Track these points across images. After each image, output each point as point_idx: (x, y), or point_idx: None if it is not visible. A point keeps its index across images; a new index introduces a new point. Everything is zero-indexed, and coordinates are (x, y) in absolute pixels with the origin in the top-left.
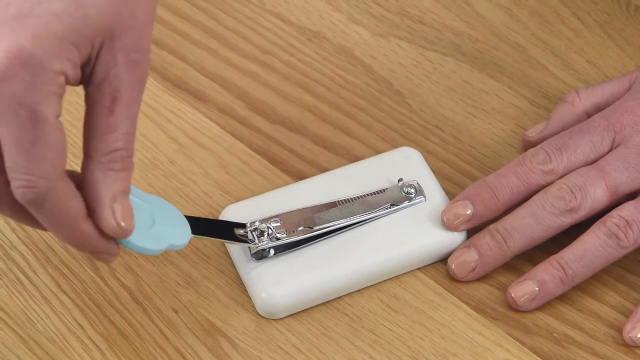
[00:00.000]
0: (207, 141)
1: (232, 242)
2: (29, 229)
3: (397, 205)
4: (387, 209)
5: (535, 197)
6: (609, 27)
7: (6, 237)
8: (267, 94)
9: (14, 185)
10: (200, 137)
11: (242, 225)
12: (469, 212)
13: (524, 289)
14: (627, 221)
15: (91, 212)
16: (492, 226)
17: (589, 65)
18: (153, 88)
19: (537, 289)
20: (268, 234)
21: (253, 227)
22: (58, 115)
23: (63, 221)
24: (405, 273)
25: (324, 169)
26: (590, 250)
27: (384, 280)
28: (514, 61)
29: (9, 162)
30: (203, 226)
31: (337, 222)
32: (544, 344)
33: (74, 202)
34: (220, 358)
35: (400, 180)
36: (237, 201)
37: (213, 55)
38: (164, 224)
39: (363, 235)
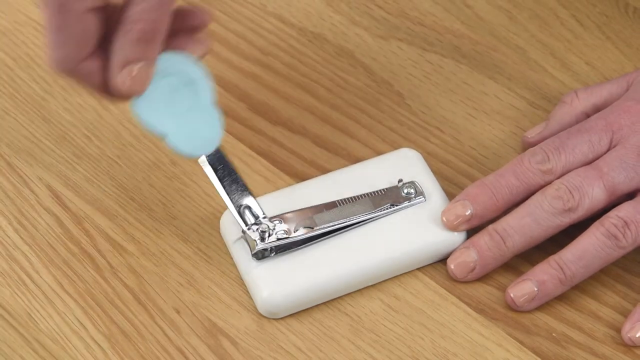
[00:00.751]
0: None
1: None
2: (31, 229)
3: (397, 205)
4: (387, 209)
5: (533, 197)
6: (607, 29)
7: (9, 237)
8: (268, 96)
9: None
10: None
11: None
12: (468, 212)
13: (523, 289)
14: (625, 221)
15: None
16: (491, 226)
17: (587, 67)
18: None
19: (536, 289)
20: (269, 234)
21: (255, 227)
22: (86, 9)
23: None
24: (405, 273)
25: (324, 170)
26: (589, 250)
27: (385, 281)
28: (513, 63)
29: (46, 39)
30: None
31: (337, 223)
32: (543, 343)
33: (95, 79)
34: (222, 358)
35: (400, 181)
36: None
37: (215, 57)
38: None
39: (363, 236)
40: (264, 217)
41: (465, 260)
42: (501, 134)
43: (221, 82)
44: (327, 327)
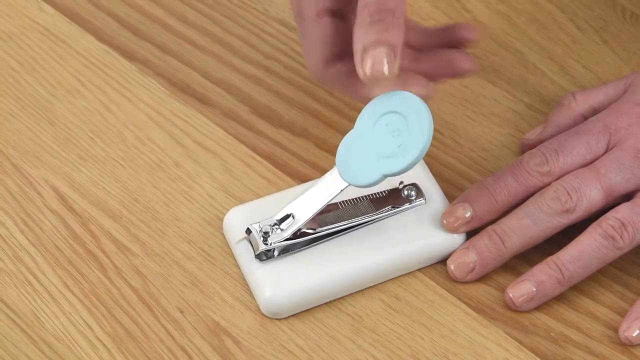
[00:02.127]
0: (212, 145)
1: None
2: (37, 230)
3: (398, 207)
4: (388, 211)
5: (532, 199)
6: (605, 33)
7: (15, 238)
8: (270, 99)
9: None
10: (205, 141)
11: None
12: (468, 214)
13: (522, 289)
14: (622, 222)
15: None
16: (490, 228)
17: (585, 71)
18: (159, 93)
19: (534, 289)
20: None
21: (258, 229)
22: (317, 14)
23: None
24: (406, 274)
25: (326, 172)
26: (587, 251)
27: (385, 281)
28: (512, 66)
29: None
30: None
31: (339, 225)
32: (541, 343)
33: (344, 82)
34: (225, 357)
35: (401, 183)
36: (242, 203)
37: (218, 60)
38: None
39: (365, 237)
40: (267, 219)
41: (464, 261)
42: (500, 136)
43: (224, 86)
44: (329, 326)
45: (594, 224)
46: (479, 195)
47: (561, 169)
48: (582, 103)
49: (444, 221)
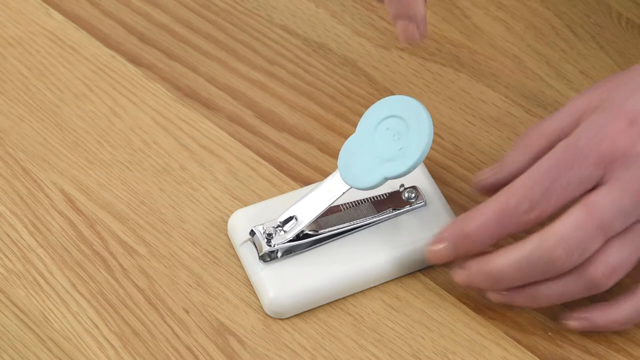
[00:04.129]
0: (216, 148)
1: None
2: (45, 232)
3: (398, 209)
4: (389, 213)
5: (530, 245)
6: (601, 39)
7: (24, 239)
8: (274, 103)
9: None
10: (210, 145)
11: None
12: (447, 256)
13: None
14: (613, 268)
15: None
16: (485, 266)
17: (582, 76)
18: (165, 97)
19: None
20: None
21: (262, 231)
22: None
23: None
24: (406, 275)
25: (328, 175)
26: (568, 295)
27: (386, 282)
28: (510, 71)
29: None
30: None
31: (341, 226)
32: (539, 342)
33: None
34: (229, 356)
35: (401, 185)
36: (246, 206)
37: (223, 66)
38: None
39: (366, 238)
40: (271, 221)
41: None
42: (499, 140)
43: (229, 91)
44: (331, 326)
45: (582, 268)
46: (461, 241)
47: (552, 211)
48: (537, 140)
49: (428, 255)
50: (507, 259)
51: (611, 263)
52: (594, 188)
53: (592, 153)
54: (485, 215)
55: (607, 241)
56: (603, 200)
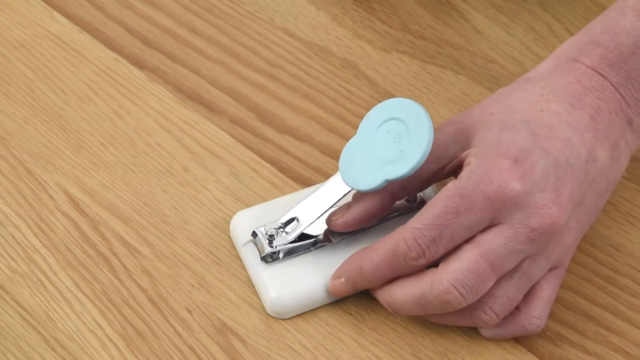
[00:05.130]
0: (219, 150)
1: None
2: (50, 233)
3: (399, 211)
4: (389, 215)
5: (424, 285)
6: None
7: (28, 240)
8: (276, 106)
9: None
10: (212, 146)
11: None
12: (349, 289)
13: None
14: (501, 310)
15: None
16: (382, 298)
17: None
18: (168, 100)
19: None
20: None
21: (264, 232)
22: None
23: None
24: None
25: (329, 177)
26: (454, 321)
27: None
28: (509, 74)
29: None
30: None
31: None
32: (538, 342)
33: None
34: (231, 356)
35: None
36: (248, 207)
37: (225, 69)
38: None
39: (367, 239)
40: (273, 222)
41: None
42: None
43: (231, 93)
44: (332, 326)
45: (475, 307)
46: (357, 278)
47: (440, 255)
48: (390, 185)
49: (329, 288)
50: (405, 294)
51: (499, 305)
52: (486, 228)
53: (479, 198)
54: (378, 257)
55: (497, 280)
56: (495, 242)
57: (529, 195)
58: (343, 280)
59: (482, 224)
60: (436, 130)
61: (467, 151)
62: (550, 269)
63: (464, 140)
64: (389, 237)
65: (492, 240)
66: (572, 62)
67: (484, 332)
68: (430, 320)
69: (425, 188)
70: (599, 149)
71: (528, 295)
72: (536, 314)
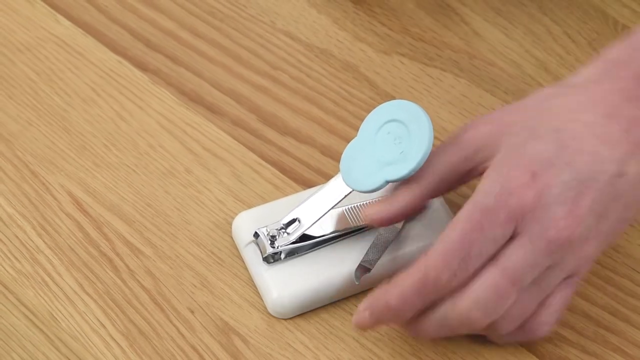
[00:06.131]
0: (221, 152)
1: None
2: (53, 234)
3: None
4: None
5: (444, 308)
6: (598, 45)
7: (32, 241)
8: (277, 108)
9: None
10: (214, 148)
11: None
12: (373, 323)
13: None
14: (519, 321)
15: None
16: (409, 326)
17: None
18: (170, 102)
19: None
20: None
21: (266, 232)
22: None
23: None
24: None
25: (330, 178)
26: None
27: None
28: (509, 77)
29: None
30: None
31: (343, 228)
32: (537, 341)
33: None
34: (233, 355)
35: None
36: (250, 208)
37: (227, 71)
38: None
39: (368, 240)
40: (274, 223)
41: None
42: None
43: (233, 95)
44: (333, 326)
45: (495, 322)
46: (383, 312)
47: (471, 275)
48: (426, 181)
49: (353, 322)
50: (428, 321)
51: (512, 316)
52: (506, 242)
53: (501, 211)
54: (406, 288)
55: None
56: (515, 257)
57: (546, 208)
58: (367, 315)
59: (505, 237)
60: (470, 126)
61: (492, 160)
62: (565, 278)
63: (493, 145)
64: (414, 268)
65: (512, 256)
66: (619, 69)
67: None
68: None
69: (456, 188)
70: (632, 163)
71: (540, 302)
72: (545, 320)
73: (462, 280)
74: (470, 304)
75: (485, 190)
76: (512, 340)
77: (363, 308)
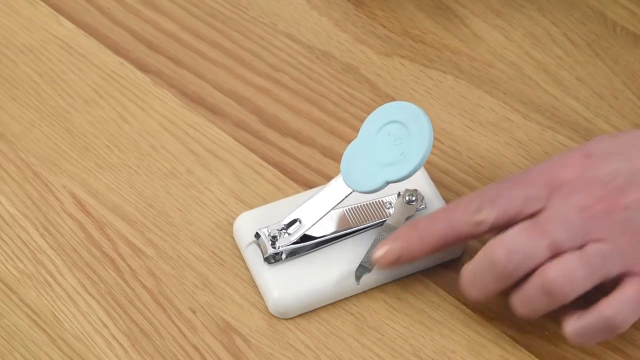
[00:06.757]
0: (222, 153)
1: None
2: (56, 234)
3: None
4: (390, 216)
5: (479, 255)
6: (596, 46)
7: (35, 241)
8: (278, 109)
9: None
10: (216, 149)
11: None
12: (396, 253)
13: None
14: (566, 275)
15: None
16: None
17: (578, 82)
18: (172, 103)
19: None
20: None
21: (267, 233)
22: None
23: None
24: (407, 276)
25: (331, 179)
26: (529, 301)
27: (388, 283)
28: (508, 78)
29: None
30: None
31: (344, 230)
32: (536, 341)
33: None
34: (234, 355)
35: (399, 194)
36: (251, 209)
37: (229, 73)
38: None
39: (368, 241)
40: (275, 224)
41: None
42: (497, 144)
43: (235, 97)
44: (334, 326)
45: (539, 272)
46: (409, 237)
47: (495, 219)
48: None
49: (374, 256)
50: (467, 266)
51: (564, 270)
52: (541, 209)
53: (541, 176)
54: (436, 213)
55: (561, 253)
56: (548, 214)
57: (589, 183)
58: (395, 242)
59: (538, 200)
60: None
61: None
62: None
63: None
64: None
65: (545, 213)
66: None
67: (567, 326)
68: (520, 312)
69: None
70: None
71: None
72: (616, 308)
73: (485, 217)
74: (497, 244)
75: (537, 168)
76: (586, 328)
77: (391, 237)
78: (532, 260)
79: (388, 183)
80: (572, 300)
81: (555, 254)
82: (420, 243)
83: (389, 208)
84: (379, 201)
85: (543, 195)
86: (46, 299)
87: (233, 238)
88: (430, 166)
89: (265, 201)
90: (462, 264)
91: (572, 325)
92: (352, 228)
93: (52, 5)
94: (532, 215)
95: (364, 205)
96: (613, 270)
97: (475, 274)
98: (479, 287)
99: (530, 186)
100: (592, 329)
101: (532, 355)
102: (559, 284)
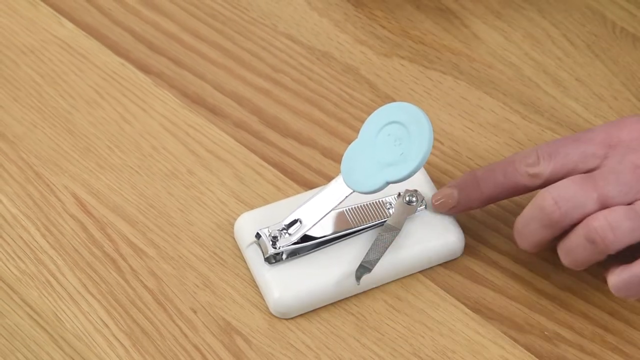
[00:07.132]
0: (223, 153)
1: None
2: (57, 234)
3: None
4: (390, 216)
5: (532, 201)
6: (596, 47)
7: (37, 242)
8: (279, 110)
9: None
10: (217, 150)
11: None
12: (453, 199)
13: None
14: (611, 225)
15: None
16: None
17: (577, 83)
18: (173, 104)
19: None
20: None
21: (267, 233)
22: None
23: None
24: (407, 276)
25: (331, 179)
26: (573, 250)
27: (388, 283)
28: (508, 79)
29: None
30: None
31: (344, 230)
32: (536, 341)
33: None
34: (235, 355)
35: (399, 194)
36: (252, 209)
37: (229, 73)
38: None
39: (368, 241)
40: (276, 224)
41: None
42: (496, 145)
43: (235, 97)
44: (334, 326)
45: (584, 222)
46: (468, 185)
47: (551, 173)
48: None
49: (433, 201)
50: (519, 216)
51: (609, 220)
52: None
53: (599, 135)
54: (496, 164)
55: (612, 206)
56: (602, 170)
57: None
58: (455, 191)
59: (594, 158)
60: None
61: None
62: None
63: None
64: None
65: (601, 170)
66: None
67: (611, 279)
68: (567, 262)
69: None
70: None
71: None
72: None
73: (542, 170)
74: (547, 192)
75: (596, 127)
76: (630, 280)
77: (448, 186)
78: (581, 210)
79: (388, 183)
80: (617, 252)
81: (604, 207)
82: (478, 192)
83: (389, 208)
84: (379, 201)
85: (600, 154)
86: (47, 299)
87: (234, 238)
88: (430, 167)
89: (266, 201)
90: (462, 264)
91: (616, 277)
92: (352, 228)
93: (52, 6)
94: (587, 172)
95: (364, 205)
96: None
97: (525, 221)
98: (528, 234)
99: (588, 144)
100: (635, 281)
101: (532, 355)
102: (603, 232)
